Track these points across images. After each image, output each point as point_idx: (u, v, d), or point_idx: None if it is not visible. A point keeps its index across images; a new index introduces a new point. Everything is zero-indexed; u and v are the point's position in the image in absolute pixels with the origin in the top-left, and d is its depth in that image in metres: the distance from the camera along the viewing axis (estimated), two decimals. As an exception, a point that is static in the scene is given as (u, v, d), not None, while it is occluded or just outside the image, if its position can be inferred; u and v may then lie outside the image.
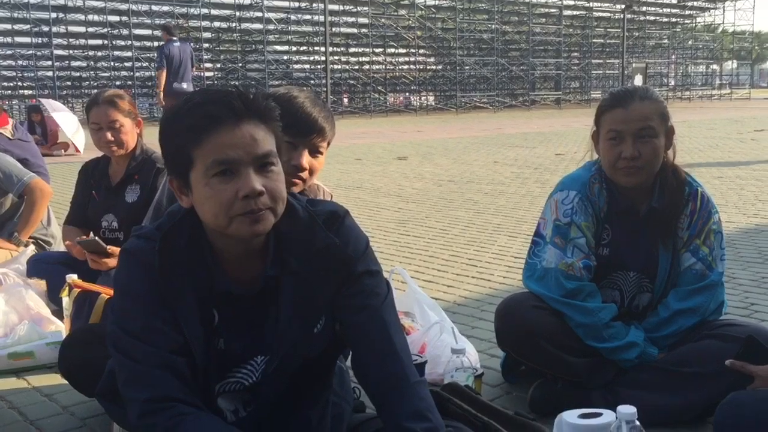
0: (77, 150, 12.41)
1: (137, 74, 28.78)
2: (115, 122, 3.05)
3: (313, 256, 1.47)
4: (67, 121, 12.58)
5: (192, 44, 31.02)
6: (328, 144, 2.08)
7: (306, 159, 2.01)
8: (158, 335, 1.39)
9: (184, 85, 11.15)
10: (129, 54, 28.70)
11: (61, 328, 2.83)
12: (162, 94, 11.17)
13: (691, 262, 2.30)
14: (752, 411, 1.70)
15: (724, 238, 2.37)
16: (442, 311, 2.76)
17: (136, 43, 29.08)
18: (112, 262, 2.92)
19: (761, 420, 1.67)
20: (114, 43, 29.10)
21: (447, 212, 6.41)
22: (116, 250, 2.88)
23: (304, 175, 2.02)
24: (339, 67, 32.86)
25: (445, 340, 2.54)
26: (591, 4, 39.01)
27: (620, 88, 2.41)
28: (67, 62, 29.40)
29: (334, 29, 31.27)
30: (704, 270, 2.29)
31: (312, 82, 31.11)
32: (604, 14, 40.36)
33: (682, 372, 2.18)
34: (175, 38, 11.47)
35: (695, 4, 44.85)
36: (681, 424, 2.18)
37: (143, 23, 28.63)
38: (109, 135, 3.04)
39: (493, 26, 34.85)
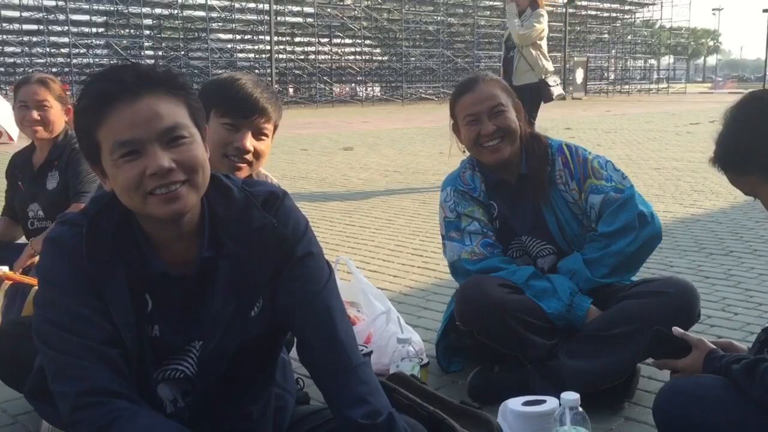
0: (10, 138, 11.99)
1: (74, 61, 27.93)
2: (44, 101, 2.96)
3: (250, 238, 1.42)
4: (0, 109, 12.12)
5: (132, 30, 30.28)
6: (275, 128, 2.04)
7: (249, 141, 1.96)
8: (88, 326, 1.33)
9: None
10: (66, 40, 27.82)
11: (-8, 322, 2.71)
12: None
13: (600, 197, 2.37)
14: (691, 394, 1.73)
15: (611, 162, 2.47)
16: (388, 301, 2.74)
17: (74, 29, 28.20)
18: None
19: (699, 402, 1.71)
20: (50, 28, 28.16)
21: (393, 202, 6.40)
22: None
23: (249, 157, 1.97)
24: (284, 56, 32.55)
25: (390, 330, 2.52)
26: (534, -2, 39.49)
27: (464, 78, 2.60)
28: (0, 47, 28.35)
29: (279, 18, 30.93)
30: (616, 194, 2.37)
31: (257, 71, 30.71)
32: (547, 8, 40.90)
33: (609, 334, 2.23)
34: None
35: (634, 0, 45.92)
36: (618, 410, 2.22)
37: (81, 8, 27.82)
38: (35, 114, 2.95)
39: (439, 18, 35.02)
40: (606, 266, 2.32)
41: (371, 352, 2.40)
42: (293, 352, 2.00)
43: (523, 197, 2.44)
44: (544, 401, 1.90)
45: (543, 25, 7.07)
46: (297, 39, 34.34)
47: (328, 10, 32.35)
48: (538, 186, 2.42)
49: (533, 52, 7.01)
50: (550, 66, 7.13)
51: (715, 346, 1.85)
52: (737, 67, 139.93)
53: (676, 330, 1.93)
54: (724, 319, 3.10)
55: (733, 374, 1.69)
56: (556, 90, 7.06)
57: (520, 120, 2.44)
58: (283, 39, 32.89)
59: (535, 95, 6.89)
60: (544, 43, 7.16)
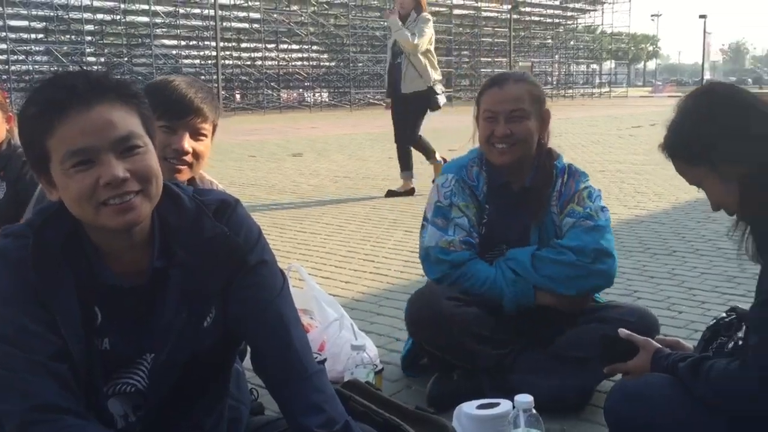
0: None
1: (13, 68, 27.14)
2: None
3: (201, 247, 1.40)
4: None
5: (73, 36, 29.58)
6: (214, 128, 2.02)
7: (187, 142, 1.94)
8: (34, 339, 1.29)
9: None
10: (4, 46, 27.01)
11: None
12: None
13: (573, 220, 2.36)
14: (639, 394, 1.78)
15: (601, 197, 2.44)
16: (341, 308, 2.74)
17: (12, 35, 27.42)
18: None
19: (647, 402, 1.75)
20: (-14, 34, 27.30)
21: (343, 208, 6.40)
22: None
23: (188, 158, 1.95)
24: (230, 62, 32.24)
25: (344, 337, 2.52)
26: (479, 4, 40.10)
27: (501, 71, 2.51)
28: (-67, 54, 27.37)
29: (224, 24, 30.63)
30: (586, 220, 2.34)
31: (203, 77, 30.33)
32: (492, 14, 41.56)
33: (568, 356, 2.27)
34: None
35: (576, 5, 46.94)
36: (570, 410, 2.26)
37: (19, 14, 27.07)
38: None
39: (386, 23, 35.11)
40: (549, 268, 2.31)
41: (325, 359, 2.38)
42: (247, 362, 1.98)
43: (519, 208, 2.40)
44: (498, 404, 1.92)
45: (432, 31, 7.00)
46: (243, 45, 34.06)
47: (275, 15, 32.20)
48: (539, 202, 2.39)
49: (422, 59, 6.87)
50: (437, 74, 7.05)
51: (660, 346, 1.90)
52: (676, 71, 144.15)
53: (622, 332, 1.97)
54: (669, 317, 3.17)
55: (679, 372, 1.74)
56: (442, 99, 6.97)
57: (542, 130, 2.39)
58: (229, 45, 32.57)
59: (423, 103, 6.89)
60: (432, 49, 7.08)
